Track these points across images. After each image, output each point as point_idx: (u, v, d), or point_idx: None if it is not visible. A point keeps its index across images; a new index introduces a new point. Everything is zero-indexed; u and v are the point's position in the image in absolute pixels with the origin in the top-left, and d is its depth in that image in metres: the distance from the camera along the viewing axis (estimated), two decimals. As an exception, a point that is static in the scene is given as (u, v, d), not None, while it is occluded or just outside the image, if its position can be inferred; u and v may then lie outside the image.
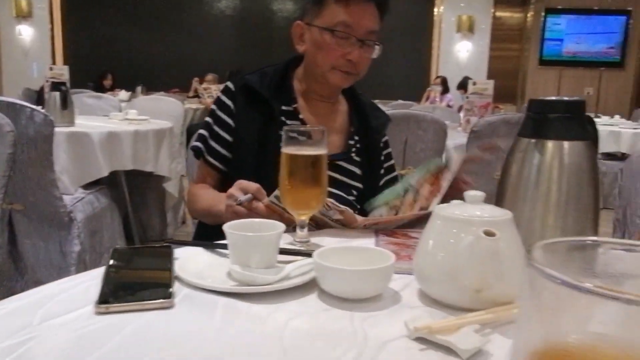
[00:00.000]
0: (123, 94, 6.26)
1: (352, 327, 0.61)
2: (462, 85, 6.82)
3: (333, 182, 1.22)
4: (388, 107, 4.86)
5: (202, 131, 1.32)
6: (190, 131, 4.91)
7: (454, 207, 0.73)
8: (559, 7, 9.08)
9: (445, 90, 7.67)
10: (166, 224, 3.29)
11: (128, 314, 0.62)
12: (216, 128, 1.29)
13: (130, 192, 3.06)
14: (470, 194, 0.72)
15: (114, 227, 2.82)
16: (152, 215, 3.33)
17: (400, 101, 7.04)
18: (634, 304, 0.19)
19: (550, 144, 0.86)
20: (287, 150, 0.89)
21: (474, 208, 0.71)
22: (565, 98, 0.88)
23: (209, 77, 7.19)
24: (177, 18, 9.19)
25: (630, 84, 9.25)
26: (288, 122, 1.28)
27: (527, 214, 0.87)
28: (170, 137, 3.06)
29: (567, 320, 0.19)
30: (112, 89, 7.40)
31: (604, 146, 5.38)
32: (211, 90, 6.54)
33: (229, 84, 1.33)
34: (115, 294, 0.65)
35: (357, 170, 1.35)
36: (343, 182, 1.32)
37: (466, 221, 0.68)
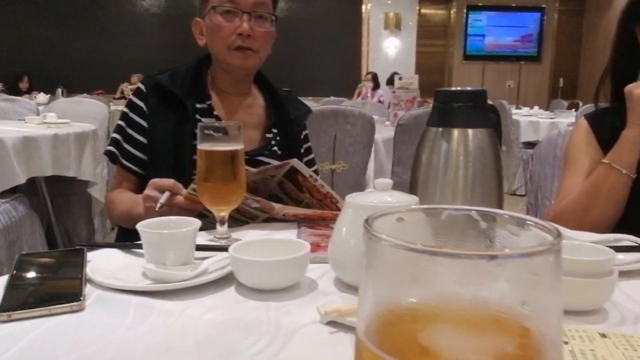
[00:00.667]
0: (41, 97, 5.92)
1: (267, 316, 0.62)
2: (391, 81, 6.96)
3: None
4: (319, 104, 4.92)
5: (115, 135, 1.28)
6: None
7: (365, 195, 0.76)
8: (480, 4, 9.50)
9: (376, 86, 7.84)
10: (94, 230, 3.16)
11: (34, 320, 0.60)
12: (129, 131, 1.26)
13: (53, 199, 2.91)
14: (379, 181, 0.75)
15: (35, 236, 2.66)
16: (78, 222, 3.19)
17: (332, 98, 7.13)
18: (467, 258, 0.21)
19: (455, 132, 0.90)
20: (203, 147, 0.89)
21: (383, 195, 0.74)
22: (469, 88, 0.93)
23: (135, 77, 6.96)
24: (99, 17, 8.81)
25: (547, 76, 9.84)
26: (203, 119, 1.27)
27: (437, 199, 0.91)
28: (94, 141, 2.94)
29: (403, 282, 0.21)
30: (29, 91, 6.98)
31: (525, 136, 5.71)
32: (138, 90, 6.33)
33: (140, 85, 1.30)
34: (19, 301, 0.62)
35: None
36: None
37: (375, 207, 0.71)
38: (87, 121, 3.32)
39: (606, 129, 1.16)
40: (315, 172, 1.47)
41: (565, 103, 7.90)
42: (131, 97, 1.30)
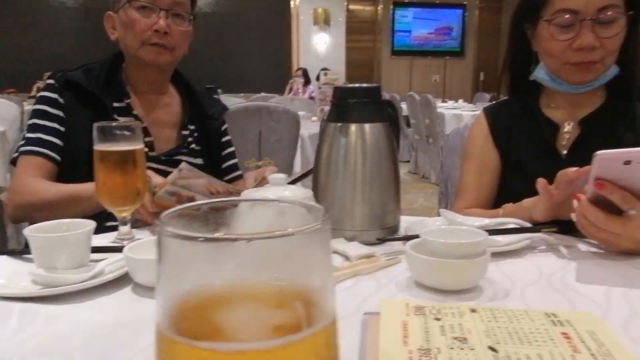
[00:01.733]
0: (-52, 98, 5.50)
1: (158, 313, 0.63)
2: (319, 77, 7.00)
3: None
4: (249, 101, 4.90)
5: (29, 135, 1.20)
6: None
7: (261, 190, 0.78)
8: (405, 0, 9.77)
9: (307, 81, 7.88)
10: (7, 238, 2.99)
11: None
12: (46, 122, 1.20)
13: (-40, 206, 2.73)
14: (273, 176, 0.78)
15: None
16: (-10, 231, 3.01)
17: (262, 94, 7.11)
18: (226, 242, 0.23)
19: (353, 127, 0.94)
20: (99, 147, 0.87)
21: (278, 189, 0.77)
22: (364, 85, 0.97)
23: (46, 75, 6.61)
24: (8, 10, 8.26)
25: (470, 71, 10.27)
26: (121, 119, 1.24)
27: (339, 191, 0.95)
28: (3, 143, 2.78)
29: (192, 271, 0.23)
30: None
31: (449, 128, 5.95)
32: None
33: (50, 81, 1.25)
34: None
35: (199, 160, 1.36)
36: None
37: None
38: (-3, 122, 3.13)
39: (501, 124, 1.23)
40: (235, 165, 1.48)
41: (488, 96, 8.29)
42: (42, 93, 1.24)
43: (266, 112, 2.79)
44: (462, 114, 5.88)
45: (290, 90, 7.80)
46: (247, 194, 0.75)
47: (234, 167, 1.47)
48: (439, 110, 5.77)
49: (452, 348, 0.54)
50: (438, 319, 0.62)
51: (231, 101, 4.08)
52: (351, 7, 9.60)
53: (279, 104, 2.89)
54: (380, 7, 9.68)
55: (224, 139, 1.47)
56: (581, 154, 0.87)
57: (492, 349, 0.54)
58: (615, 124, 1.12)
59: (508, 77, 1.28)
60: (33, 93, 6.44)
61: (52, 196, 1.09)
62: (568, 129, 1.14)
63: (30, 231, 0.71)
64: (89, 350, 0.55)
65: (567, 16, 1.05)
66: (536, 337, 0.58)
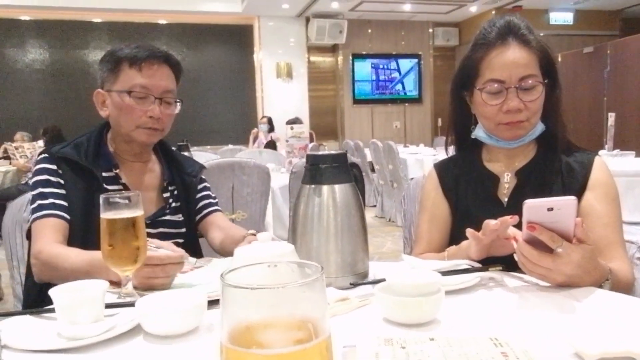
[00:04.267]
0: None
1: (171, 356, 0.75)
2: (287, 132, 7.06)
3: (161, 237, 1.28)
4: (217, 154, 5.04)
5: (41, 202, 1.29)
6: (0, 197, 4.47)
7: (250, 249, 0.92)
8: (363, 52, 10.26)
9: (272, 129, 8.10)
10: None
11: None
12: (52, 189, 1.31)
13: None
14: (261, 235, 0.92)
15: None
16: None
17: (230, 146, 7.27)
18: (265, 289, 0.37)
19: (325, 188, 1.10)
20: (105, 215, 1.00)
21: (266, 246, 0.91)
22: (332, 152, 1.14)
23: (18, 135, 6.63)
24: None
25: (429, 116, 10.74)
26: (110, 187, 1.37)
27: (315, 243, 1.09)
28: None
29: (242, 307, 0.38)
30: None
31: (412, 172, 6.19)
32: (24, 149, 6.05)
33: (45, 155, 1.37)
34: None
35: (179, 217, 1.49)
36: (169, 234, 1.44)
37: (258, 257, 0.87)
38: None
39: (449, 178, 1.41)
40: (210, 203, 1.59)
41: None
42: (41, 165, 1.35)
43: (238, 167, 2.94)
44: (423, 159, 6.14)
45: (255, 139, 7.98)
46: (243, 250, 0.89)
47: (208, 205, 1.58)
48: (401, 156, 6.03)
49: (414, 368, 0.68)
50: (403, 347, 0.76)
51: (202, 156, 4.23)
52: (312, 58, 10.01)
53: (249, 159, 3.05)
54: (340, 58, 10.13)
55: (200, 188, 1.59)
56: (519, 201, 1.01)
57: (445, 366, 0.69)
58: (545, 173, 1.31)
59: (454, 135, 1.47)
60: (0, 154, 6.42)
61: (68, 270, 1.16)
62: (507, 180, 1.33)
63: (53, 292, 0.82)
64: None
65: (495, 85, 1.25)
66: (481, 357, 0.73)
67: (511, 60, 1.23)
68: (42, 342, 0.79)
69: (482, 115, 1.31)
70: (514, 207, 1.22)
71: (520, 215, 1.01)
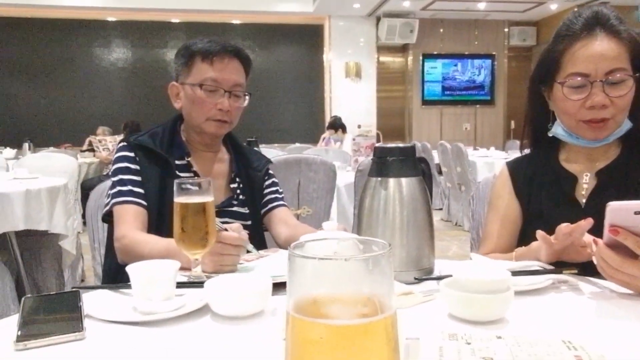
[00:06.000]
0: (8, 152, 5.95)
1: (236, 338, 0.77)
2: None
3: None
4: (285, 152, 5.13)
5: (121, 188, 1.36)
6: (84, 186, 4.78)
7: (316, 235, 0.93)
8: (435, 52, 10.07)
9: (344, 130, 8.12)
10: (64, 283, 3.20)
11: (45, 349, 0.73)
12: (131, 177, 1.38)
13: (23, 252, 2.96)
14: (326, 224, 0.92)
15: (5, 291, 2.72)
16: (47, 276, 3.22)
17: (297, 144, 7.37)
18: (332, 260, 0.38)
19: (391, 181, 1.09)
20: (179, 199, 1.04)
21: (330, 234, 0.91)
22: (400, 145, 1.13)
23: (100, 130, 7.07)
24: (65, 72, 8.95)
25: (501, 118, 10.37)
26: (182, 175, 1.43)
27: (379, 236, 1.08)
28: (65, 194, 3.03)
29: (309, 277, 0.38)
30: (-6, 146, 6.97)
31: (481, 175, 6.00)
32: (106, 142, 6.43)
33: (124, 144, 1.45)
34: (31, 333, 0.76)
35: (245, 209, 1.53)
36: None
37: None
38: (57, 175, 3.41)
39: (522, 177, 1.35)
40: (276, 198, 1.61)
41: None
42: (120, 153, 1.43)
43: (305, 163, 2.97)
44: (493, 162, 5.93)
45: (324, 140, 8.03)
46: (309, 237, 0.90)
47: (274, 199, 1.61)
48: (470, 158, 5.86)
49: (480, 364, 0.66)
50: (469, 343, 0.74)
51: (270, 153, 4.32)
52: (382, 59, 9.95)
53: (316, 156, 3.08)
54: (410, 59, 10.00)
55: (267, 183, 1.62)
56: (599, 203, 0.96)
57: (513, 364, 0.66)
58: (629, 174, 1.22)
59: (529, 132, 1.40)
60: (85, 147, 6.88)
61: (149, 251, 1.21)
62: (586, 180, 1.26)
63: (131, 268, 0.87)
64: (187, 363, 0.69)
65: (578, 79, 1.17)
66: (552, 358, 0.69)
67: (598, 52, 1.15)
68: (119, 314, 0.84)
69: (562, 111, 1.24)
70: (593, 209, 1.15)
71: (597, 218, 0.95)
